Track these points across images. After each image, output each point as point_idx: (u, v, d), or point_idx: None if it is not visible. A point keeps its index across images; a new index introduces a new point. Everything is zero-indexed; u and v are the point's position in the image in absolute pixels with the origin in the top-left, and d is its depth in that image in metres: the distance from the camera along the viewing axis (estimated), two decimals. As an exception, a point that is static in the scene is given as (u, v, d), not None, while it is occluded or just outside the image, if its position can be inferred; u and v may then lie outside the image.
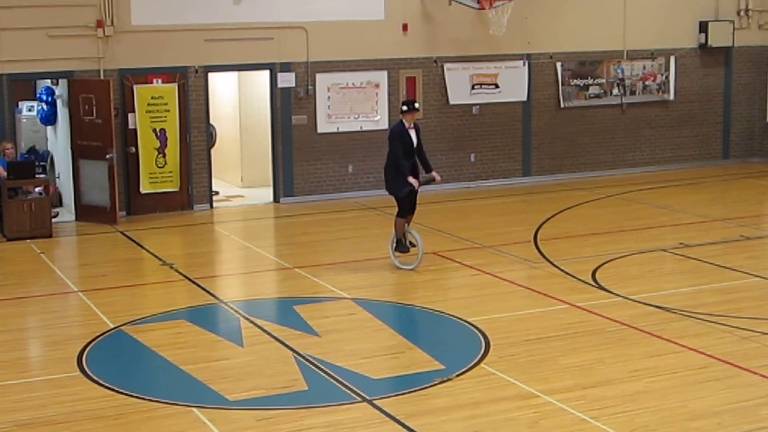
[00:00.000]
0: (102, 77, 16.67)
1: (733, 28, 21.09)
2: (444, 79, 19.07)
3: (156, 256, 14.33)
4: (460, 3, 18.44)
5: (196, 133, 17.54)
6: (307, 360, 9.86)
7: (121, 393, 9.07)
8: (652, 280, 12.77)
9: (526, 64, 19.65)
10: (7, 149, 16.03)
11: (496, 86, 19.46)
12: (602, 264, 13.42)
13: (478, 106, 19.44)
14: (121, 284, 12.98)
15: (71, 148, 16.77)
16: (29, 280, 13.32)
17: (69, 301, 12.37)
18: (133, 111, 16.93)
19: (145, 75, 16.98)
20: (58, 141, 17.87)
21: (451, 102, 19.19)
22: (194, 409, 8.69)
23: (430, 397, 8.93)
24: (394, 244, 13.43)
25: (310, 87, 18.14)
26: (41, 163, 17.34)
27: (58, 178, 17.93)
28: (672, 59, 20.84)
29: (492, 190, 19.26)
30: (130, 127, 16.98)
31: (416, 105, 13.32)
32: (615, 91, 20.46)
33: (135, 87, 16.87)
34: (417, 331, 11.39)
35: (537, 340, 10.41)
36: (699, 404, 8.63)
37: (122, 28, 16.78)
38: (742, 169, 21.18)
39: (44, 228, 15.57)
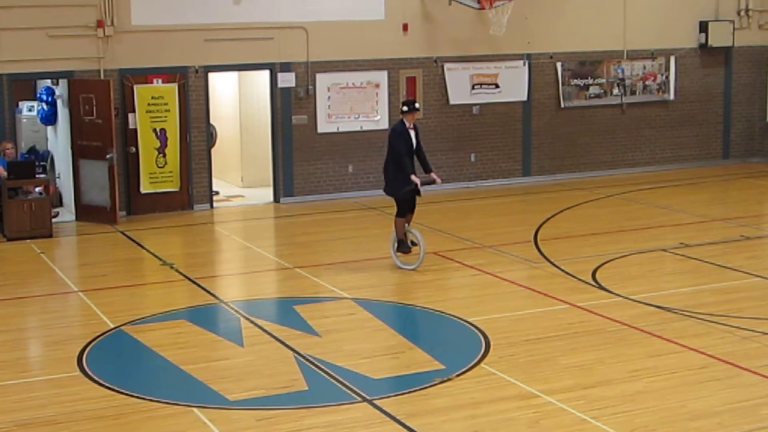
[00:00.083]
0: (102, 77, 16.68)
1: (733, 28, 21.09)
2: (444, 79, 19.07)
3: (156, 256, 14.33)
4: (460, 3, 18.44)
5: (197, 133, 17.55)
6: (308, 360, 9.86)
7: (121, 393, 9.08)
8: (652, 280, 12.77)
9: (526, 64, 19.65)
10: (8, 149, 16.03)
11: (496, 86, 19.46)
12: (602, 264, 13.42)
13: (478, 106, 19.44)
14: (122, 284, 12.98)
15: (71, 148, 16.77)
16: (29, 280, 13.32)
17: (69, 301, 12.37)
18: (134, 111, 16.93)
19: (145, 75, 16.98)
20: (58, 141, 17.87)
21: (452, 102, 19.20)
22: (194, 409, 8.69)
23: (430, 397, 8.94)
24: (396, 245, 13.43)
25: (310, 87, 18.15)
26: (41, 163, 17.34)
27: (59, 178, 17.93)
28: (672, 59, 20.84)
29: (492, 190, 19.26)
30: (131, 127, 16.98)
31: (417, 105, 13.32)
32: (615, 91, 20.46)
33: (135, 87, 16.88)
34: (417, 331, 11.39)
35: (537, 340, 10.41)
36: (699, 404, 8.63)
37: (122, 28, 16.79)
38: (742, 169, 21.18)
39: (44, 228, 15.57)
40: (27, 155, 17.94)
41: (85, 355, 10.16)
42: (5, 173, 15.54)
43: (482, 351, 10.07)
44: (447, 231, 15.59)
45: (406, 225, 13.34)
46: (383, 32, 18.52)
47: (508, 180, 19.81)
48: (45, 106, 17.78)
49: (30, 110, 18.62)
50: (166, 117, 17.12)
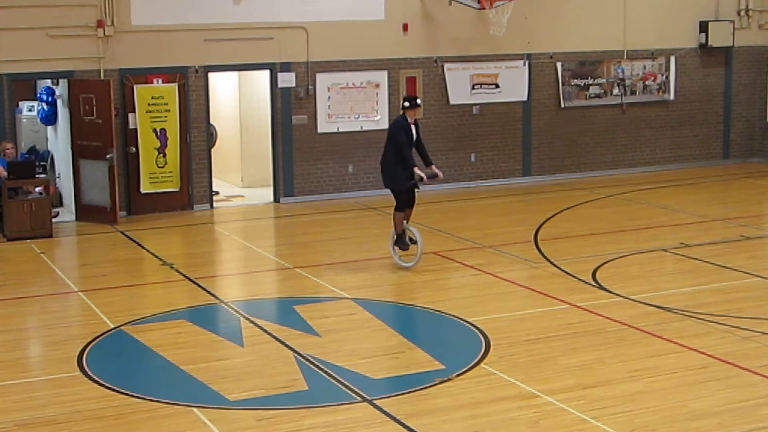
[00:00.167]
0: (102, 77, 16.68)
1: (733, 28, 21.08)
2: (444, 79, 19.07)
3: (156, 256, 14.33)
4: (461, 3, 18.44)
5: (197, 133, 17.55)
6: (308, 360, 9.86)
7: (122, 393, 9.08)
8: (653, 280, 12.77)
9: (527, 64, 19.65)
10: (8, 149, 16.03)
11: (497, 86, 19.46)
12: (602, 264, 13.42)
13: (478, 106, 19.44)
14: (122, 284, 12.98)
15: (71, 148, 16.77)
16: (29, 280, 13.32)
17: (69, 301, 12.37)
18: (134, 111, 16.93)
19: (145, 75, 16.98)
20: (58, 141, 17.87)
21: (452, 102, 19.19)
22: (194, 409, 8.69)
23: (430, 397, 8.93)
24: (394, 239, 13.44)
25: (310, 87, 18.14)
26: (41, 163, 17.35)
27: (59, 178, 17.93)
28: (672, 59, 20.84)
29: (492, 190, 19.26)
30: (131, 127, 16.98)
31: (418, 101, 13.32)
32: (615, 91, 20.46)
33: (135, 87, 16.88)
34: (417, 331, 11.39)
35: (537, 340, 10.41)
36: (699, 404, 8.63)
37: (122, 28, 16.79)
38: (742, 169, 21.18)
39: (44, 228, 15.57)
40: (27, 155, 17.94)
41: (85, 355, 10.16)
42: (5, 173, 15.54)
43: (482, 351, 10.07)
44: (447, 231, 15.59)
45: (405, 222, 13.34)
46: (383, 32, 18.52)
47: (508, 180, 19.81)
48: (45, 106, 17.78)
49: (30, 110, 18.62)
50: (166, 117, 17.12)
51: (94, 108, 16.34)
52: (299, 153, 18.25)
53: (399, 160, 13.03)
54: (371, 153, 18.31)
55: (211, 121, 18.05)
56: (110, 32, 16.66)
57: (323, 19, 18.08)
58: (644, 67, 20.65)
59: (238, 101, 19.97)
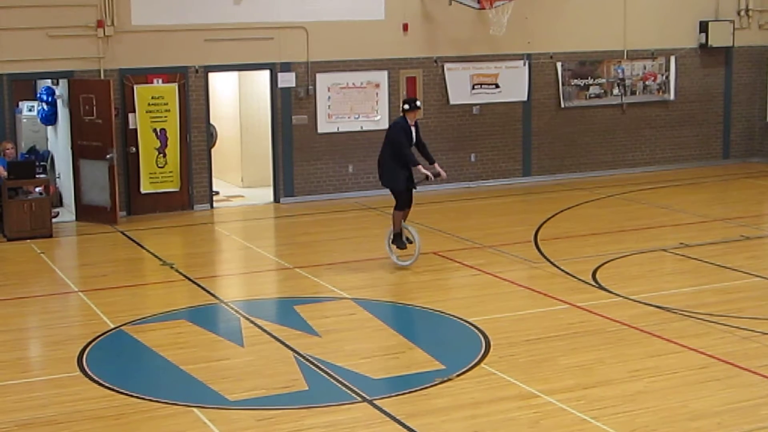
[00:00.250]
0: (102, 77, 16.68)
1: (733, 28, 21.08)
2: (444, 79, 19.07)
3: (156, 256, 14.33)
4: (461, 3, 18.44)
5: (197, 133, 17.55)
6: (308, 360, 9.86)
7: (122, 393, 9.08)
8: (653, 280, 12.77)
9: (527, 64, 19.65)
10: (8, 149, 16.03)
11: (497, 86, 19.46)
12: (602, 264, 13.42)
13: (478, 106, 19.44)
14: (122, 284, 12.98)
15: (71, 148, 16.77)
16: (29, 280, 13.32)
17: (69, 301, 12.37)
18: (134, 111, 16.93)
19: (145, 75, 16.98)
20: (58, 141, 17.87)
21: (452, 102, 19.19)
22: (194, 409, 8.69)
23: (430, 397, 8.93)
24: (391, 238, 13.44)
25: (310, 87, 18.15)
26: (41, 163, 17.35)
27: (59, 178, 17.93)
28: (672, 59, 20.84)
29: (492, 190, 19.26)
30: (131, 127, 16.98)
31: (418, 103, 13.32)
32: (615, 91, 20.46)
33: (135, 87, 16.88)
34: (417, 331, 11.39)
35: (537, 340, 10.41)
36: (699, 404, 8.63)
37: (122, 28, 16.79)
38: (742, 169, 21.18)
39: (44, 228, 15.57)
40: (27, 155, 17.94)
41: (85, 355, 10.16)
42: (5, 173, 15.54)
43: (482, 351, 10.06)
44: (447, 231, 15.59)
45: (403, 221, 13.35)
46: (383, 32, 18.52)
47: (508, 180, 19.81)
48: (45, 106, 17.79)
49: (30, 110, 18.62)
50: (166, 117, 17.12)
51: (94, 108, 16.34)
52: (299, 153, 18.25)
53: (400, 160, 13.04)
54: (371, 153, 18.26)
55: (211, 121, 18.05)
56: (110, 32, 16.66)
57: (323, 19, 18.08)
58: (644, 67, 20.65)
59: (238, 101, 19.97)
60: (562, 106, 20.07)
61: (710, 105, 21.47)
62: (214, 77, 18.43)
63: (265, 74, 18.19)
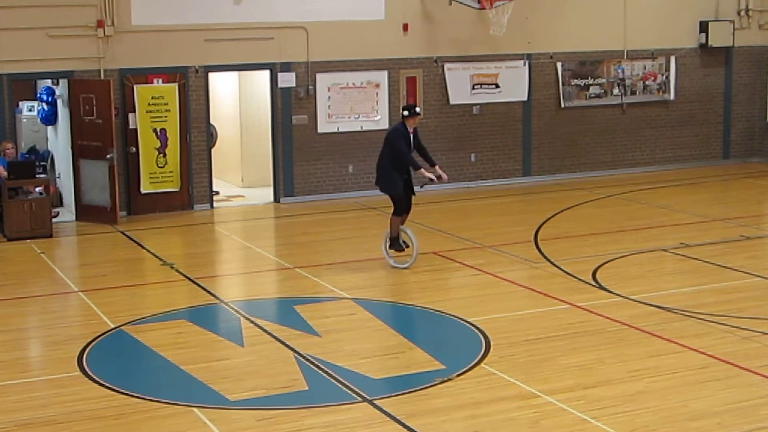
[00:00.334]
0: (102, 77, 16.68)
1: (733, 28, 21.08)
2: (444, 79, 19.07)
3: (156, 256, 14.33)
4: (461, 3, 18.44)
5: (197, 133, 17.55)
6: (308, 360, 9.86)
7: (122, 393, 9.08)
8: (653, 280, 12.77)
9: (527, 64, 19.65)
10: (8, 149, 16.03)
11: (497, 86, 19.46)
12: (602, 264, 13.42)
13: (478, 106, 19.44)
14: (122, 284, 12.98)
15: (71, 148, 16.77)
16: (29, 280, 13.32)
17: (69, 301, 12.37)
18: (134, 111, 16.94)
19: (145, 75, 16.98)
20: (58, 141, 17.87)
21: (452, 102, 19.19)
22: (195, 409, 8.69)
23: (430, 397, 8.93)
24: (388, 242, 13.44)
25: (310, 87, 18.14)
26: (41, 163, 17.34)
27: (59, 178, 17.94)
28: (672, 59, 20.84)
29: (492, 190, 19.26)
30: (131, 127, 16.98)
31: (418, 110, 13.33)
32: (615, 91, 20.46)
33: (135, 87, 16.88)
34: (417, 331, 11.39)
35: (537, 340, 10.41)
36: (699, 404, 8.63)
37: (122, 28, 16.79)
38: (742, 169, 21.18)
39: (44, 228, 15.57)
40: (27, 155, 17.94)
41: (85, 355, 10.16)
42: (5, 173, 15.54)
43: (482, 351, 10.07)
44: (447, 231, 15.59)
45: (401, 225, 13.35)
46: (383, 32, 18.52)
47: (508, 180, 19.81)
48: (45, 106, 17.79)
49: (30, 110, 18.62)
50: (166, 117, 17.12)
51: (94, 108, 16.34)
52: (299, 153, 18.25)
53: (401, 166, 13.06)
54: (371, 153, 18.27)
55: (211, 121, 18.05)
56: (110, 32, 16.66)
57: (323, 19, 18.08)
58: (644, 67, 20.65)
59: (238, 101, 19.98)
60: (562, 106, 20.07)
61: (710, 105, 21.47)
62: (214, 77, 18.43)
63: (265, 74, 18.19)
